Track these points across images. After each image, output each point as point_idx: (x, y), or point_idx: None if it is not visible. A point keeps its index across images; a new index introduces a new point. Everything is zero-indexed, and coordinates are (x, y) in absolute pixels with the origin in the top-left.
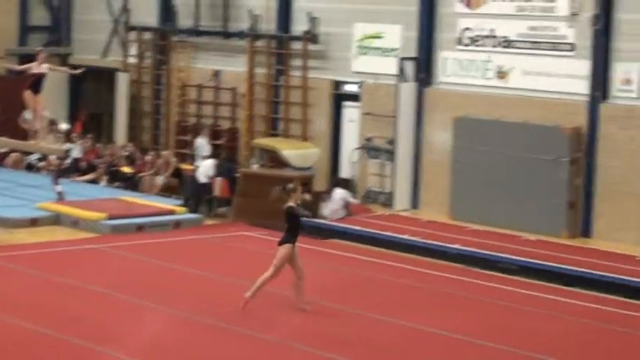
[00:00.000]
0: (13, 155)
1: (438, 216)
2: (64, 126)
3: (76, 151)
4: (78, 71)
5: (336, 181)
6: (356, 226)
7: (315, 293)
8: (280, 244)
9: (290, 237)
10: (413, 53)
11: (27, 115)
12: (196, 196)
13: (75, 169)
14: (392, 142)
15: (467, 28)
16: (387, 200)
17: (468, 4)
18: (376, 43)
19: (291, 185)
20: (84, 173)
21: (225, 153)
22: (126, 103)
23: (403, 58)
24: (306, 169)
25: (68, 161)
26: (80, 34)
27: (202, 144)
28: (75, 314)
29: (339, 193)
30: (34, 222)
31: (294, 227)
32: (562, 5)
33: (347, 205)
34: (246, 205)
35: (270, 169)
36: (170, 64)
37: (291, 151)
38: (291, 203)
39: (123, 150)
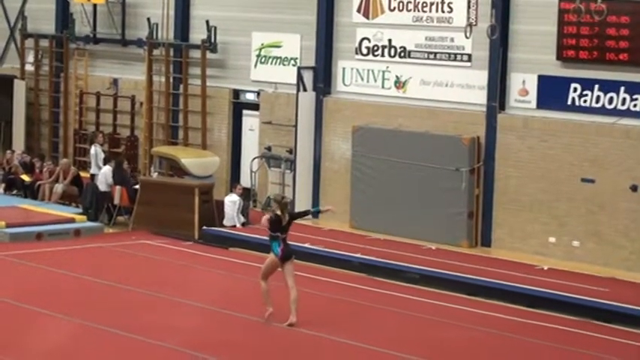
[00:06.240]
0: None
1: (339, 225)
2: None
3: None
4: None
5: (230, 187)
6: (257, 235)
7: (220, 302)
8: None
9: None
10: (312, 63)
11: None
12: (96, 204)
13: None
14: (292, 151)
15: (365, 38)
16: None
17: (366, 15)
18: (275, 52)
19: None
20: None
21: (117, 160)
22: (24, 110)
23: (301, 68)
24: (207, 177)
25: None
26: None
27: (97, 152)
28: None
29: (228, 199)
30: None
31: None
32: (459, 16)
33: (244, 212)
34: (146, 214)
35: (170, 178)
36: (68, 71)
37: (191, 160)
38: (278, 212)
39: (19, 158)
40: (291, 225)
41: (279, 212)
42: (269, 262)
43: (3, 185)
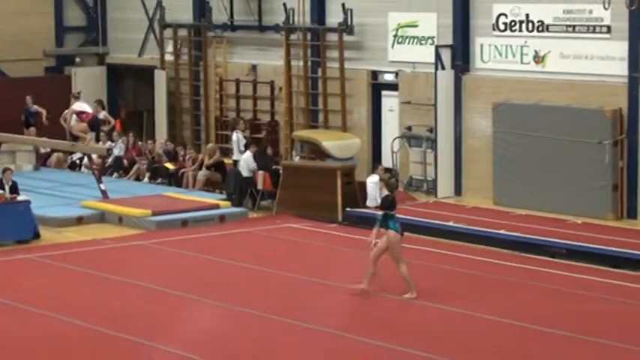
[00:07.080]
0: (56, 155)
1: (482, 202)
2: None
3: (118, 149)
4: None
5: (372, 168)
6: (400, 215)
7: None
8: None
9: None
10: (449, 41)
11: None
12: (240, 189)
13: (117, 167)
14: (432, 130)
15: (502, 14)
16: (430, 188)
17: None
18: (411, 31)
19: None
20: (126, 171)
21: (259, 146)
22: (165, 100)
23: (439, 46)
24: (348, 159)
25: (110, 159)
26: (116, 33)
27: (238, 138)
28: (125, 310)
29: (370, 180)
30: (79, 220)
31: None
32: None
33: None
34: (289, 197)
35: (312, 161)
36: (207, 59)
37: (332, 142)
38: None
39: (162, 146)
40: None
41: (387, 192)
42: (396, 243)
43: (148, 174)
